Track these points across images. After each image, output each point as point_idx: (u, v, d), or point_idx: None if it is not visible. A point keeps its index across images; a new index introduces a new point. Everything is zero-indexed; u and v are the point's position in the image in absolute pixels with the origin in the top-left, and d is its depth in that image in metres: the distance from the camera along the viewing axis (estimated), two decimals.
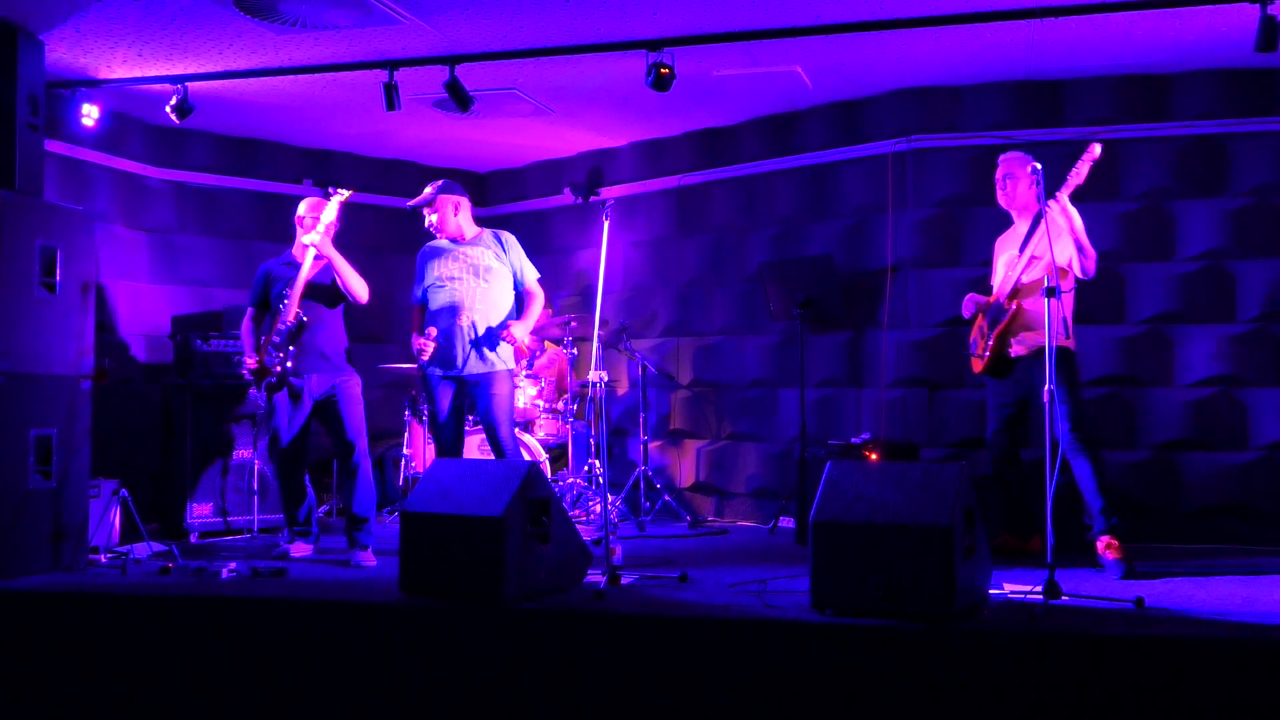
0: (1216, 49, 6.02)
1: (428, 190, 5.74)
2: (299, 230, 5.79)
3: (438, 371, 5.66)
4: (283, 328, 5.60)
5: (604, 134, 8.05)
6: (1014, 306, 5.48)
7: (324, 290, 5.71)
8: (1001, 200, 5.71)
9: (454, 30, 5.71)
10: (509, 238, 5.82)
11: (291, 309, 5.59)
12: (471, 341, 5.59)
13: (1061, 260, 5.18)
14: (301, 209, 5.82)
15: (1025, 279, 5.45)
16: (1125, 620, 4.02)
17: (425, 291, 5.77)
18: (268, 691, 4.41)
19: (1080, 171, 5.28)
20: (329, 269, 5.65)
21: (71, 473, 5.43)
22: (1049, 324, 4.63)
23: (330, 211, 5.62)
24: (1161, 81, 6.49)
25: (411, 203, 5.80)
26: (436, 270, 5.72)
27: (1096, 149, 5.27)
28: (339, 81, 6.58)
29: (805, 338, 6.89)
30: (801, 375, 6.81)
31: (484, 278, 5.65)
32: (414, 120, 7.48)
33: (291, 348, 5.59)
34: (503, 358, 5.66)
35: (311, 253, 5.61)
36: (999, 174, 5.71)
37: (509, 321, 5.64)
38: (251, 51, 6.03)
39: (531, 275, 5.82)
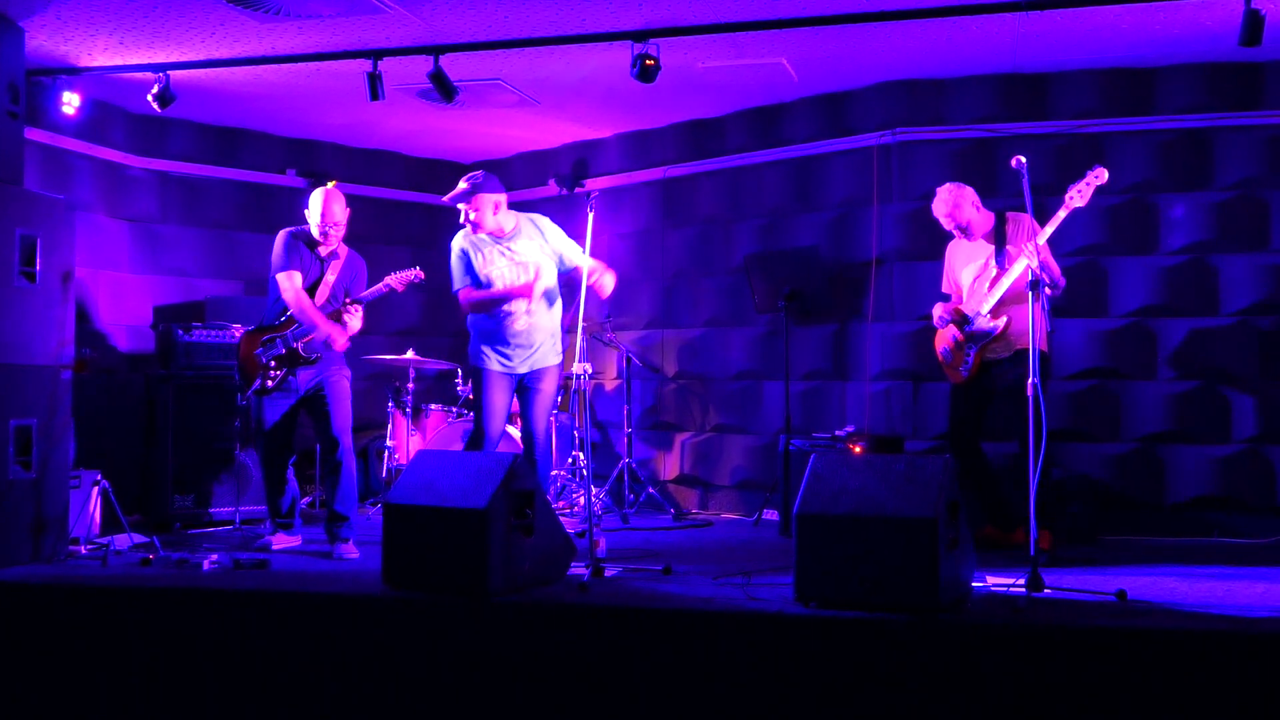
0: (1201, 43, 6.03)
1: (464, 185, 5.47)
2: (323, 230, 5.62)
3: (495, 367, 5.57)
4: (293, 343, 5.62)
5: (589, 125, 8.03)
6: (1003, 321, 5.51)
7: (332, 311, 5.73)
8: (964, 238, 5.75)
9: (439, 20, 5.68)
10: (544, 221, 5.66)
11: (304, 340, 5.62)
12: (534, 341, 5.55)
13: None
14: (313, 204, 5.64)
15: (1010, 294, 5.48)
16: (1108, 613, 4.03)
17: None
18: (250, 684, 4.39)
19: (1084, 194, 5.14)
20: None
21: (52, 463, 5.39)
22: (1032, 317, 4.61)
23: (398, 282, 5.63)
24: (1146, 75, 6.50)
25: (448, 198, 5.53)
26: (485, 269, 5.53)
27: (1103, 174, 5.13)
28: (323, 71, 6.55)
29: (790, 330, 6.89)
30: (786, 367, 6.81)
31: (535, 275, 5.55)
32: (398, 111, 7.44)
33: (290, 367, 5.64)
34: (558, 352, 5.68)
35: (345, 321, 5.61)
36: (952, 225, 5.71)
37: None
38: (234, 40, 5.98)
39: (576, 251, 5.59)
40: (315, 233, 5.66)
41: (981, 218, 5.70)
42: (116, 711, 4.47)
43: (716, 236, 7.76)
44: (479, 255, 5.55)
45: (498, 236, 5.55)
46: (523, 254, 5.55)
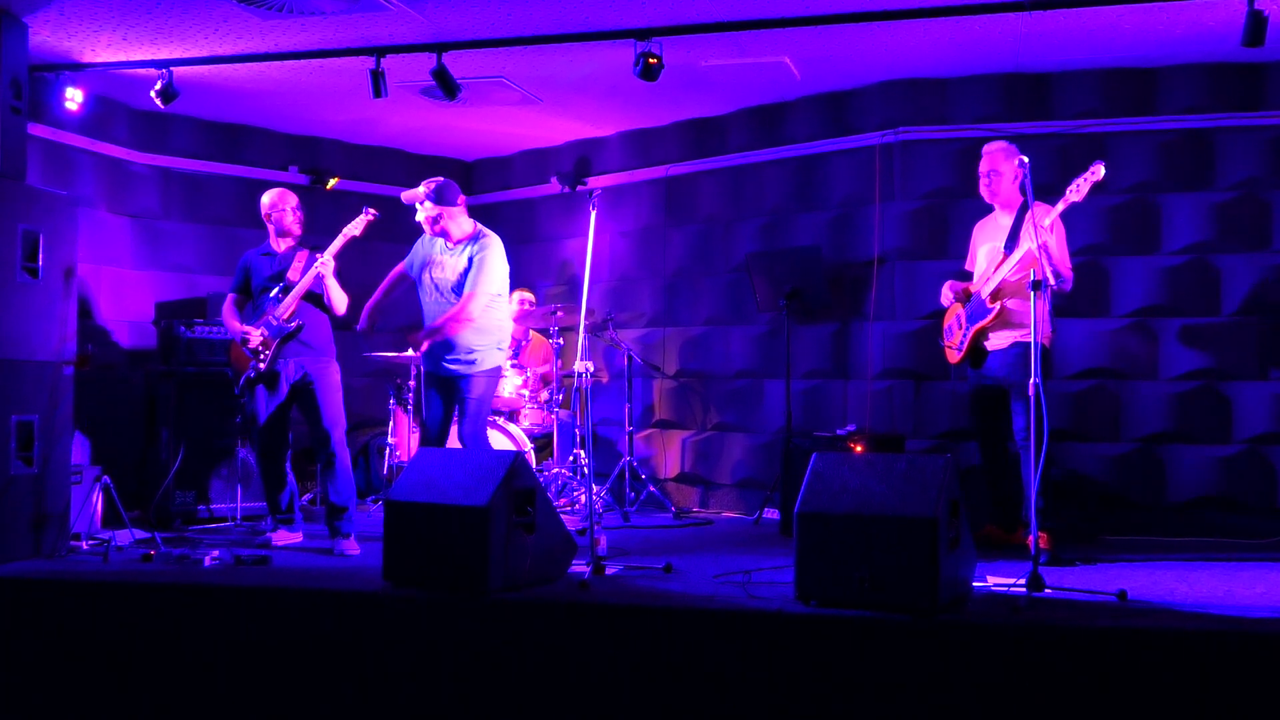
0: (1203, 43, 6.03)
1: (421, 189, 5.64)
2: (269, 225, 5.91)
3: (424, 367, 5.80)
4: (275, 323, 5.64)
5: (592, 123, 8.03)
6: (996, 307, 5.50)
7: (313, 295, 5.75)
8: (985, 194, 5.74)
9: (442, 17, 5.68)
10: (486, 246, 5.65)
11: (286, 312, 5.65)
12: (443, 352, 5.67)
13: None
14: (266, 201, 5.93)
15: (1011, 278, 5.46)
16: (1108, 613, 4.03)
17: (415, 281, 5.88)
18: (250, 680, 4.39)
19: (1080, 190, 5.17)
20: (319, 279, 5.69)
21: (53, 459, 5.40)
22: (1035, 320, 4.60)
23: (355, 228, 5.74)
24: (1149, 75, 6.50)
25: (405, 197, 5.71)
26: (421, 270, 5.81)
27: (1100, 170, 5.15)
28: (326, 68, 6.55)
29: (791, 329, 6.90)
30: (787, 366, 6.81)
31: (454, 294, 5.65)
32: (401, 108, 7.45)
33: (277, 345, 5.66)
34: (476, 359, 5.65)
35: (318, 270, 5.66)
36: (983, 168, 5.72)
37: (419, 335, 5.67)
38: (238, 37, 5.99)
39: (470, 283, 5.58)
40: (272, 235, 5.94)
41: (1016, 190, 5.61)
42: (117, 707, 4.47)
43: (718, 235, 7.76)
44: (421, 255, 5.87)
45: (447, 241, 5.76)
46: (450, 271, 5.72)
